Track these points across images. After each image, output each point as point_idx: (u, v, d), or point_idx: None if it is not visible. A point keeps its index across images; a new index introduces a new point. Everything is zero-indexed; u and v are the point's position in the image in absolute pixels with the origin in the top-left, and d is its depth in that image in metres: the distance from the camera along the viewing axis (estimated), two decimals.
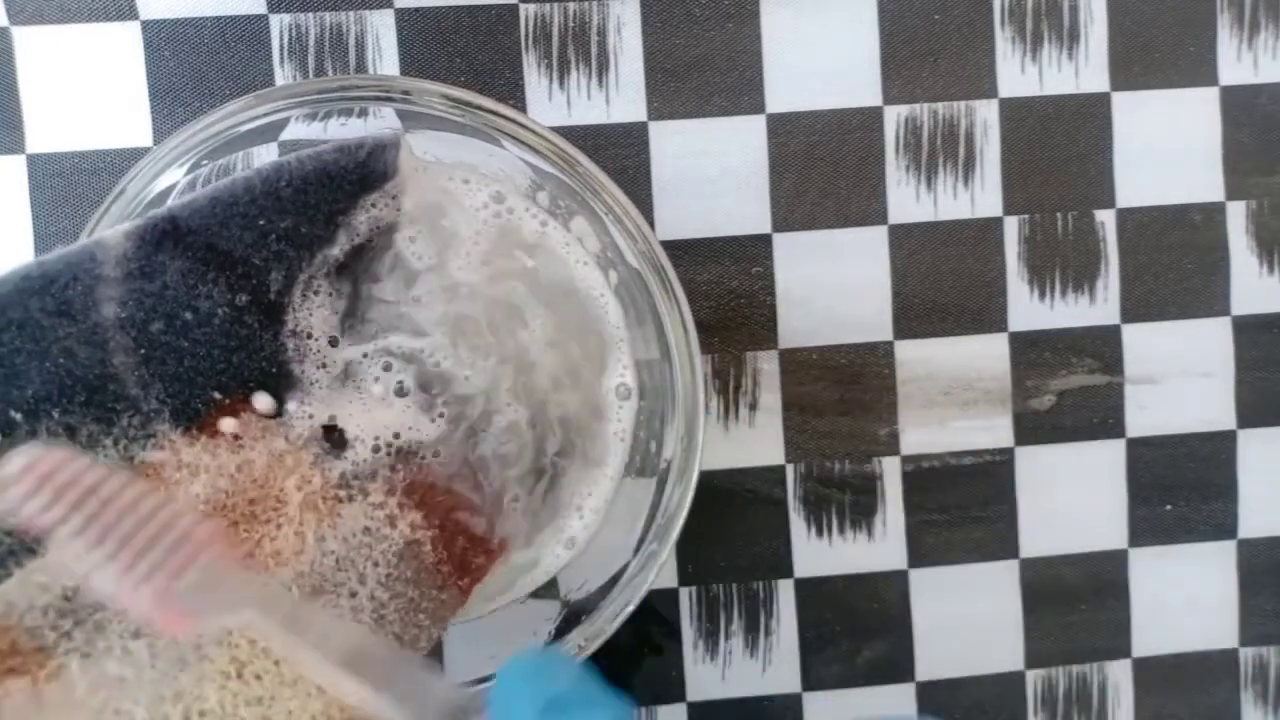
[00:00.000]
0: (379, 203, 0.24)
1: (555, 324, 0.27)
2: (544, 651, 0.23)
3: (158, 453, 0.22)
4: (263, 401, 0.24)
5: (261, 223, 0.23)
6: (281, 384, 0.24)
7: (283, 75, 0.29)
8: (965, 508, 0.31)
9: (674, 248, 0.30)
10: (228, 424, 0.23)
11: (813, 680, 0.31)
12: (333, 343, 0.25)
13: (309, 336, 0.24)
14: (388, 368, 0.25)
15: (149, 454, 0.22)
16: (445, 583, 0.25)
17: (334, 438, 0.25)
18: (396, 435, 0.25)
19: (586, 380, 0.27)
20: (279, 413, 0.24)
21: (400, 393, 0.25)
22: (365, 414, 0.25)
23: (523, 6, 0.29)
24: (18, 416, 0.21)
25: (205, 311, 0.23)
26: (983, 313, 0.31)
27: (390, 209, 0.25)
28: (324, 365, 0.25)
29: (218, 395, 0.23)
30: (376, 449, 0.25)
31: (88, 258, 0.22)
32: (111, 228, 0.22)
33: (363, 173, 0.24)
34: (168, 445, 0.22)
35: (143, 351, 0.22)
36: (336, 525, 0.24)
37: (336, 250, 0.24)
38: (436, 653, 0.27)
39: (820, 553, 0.31)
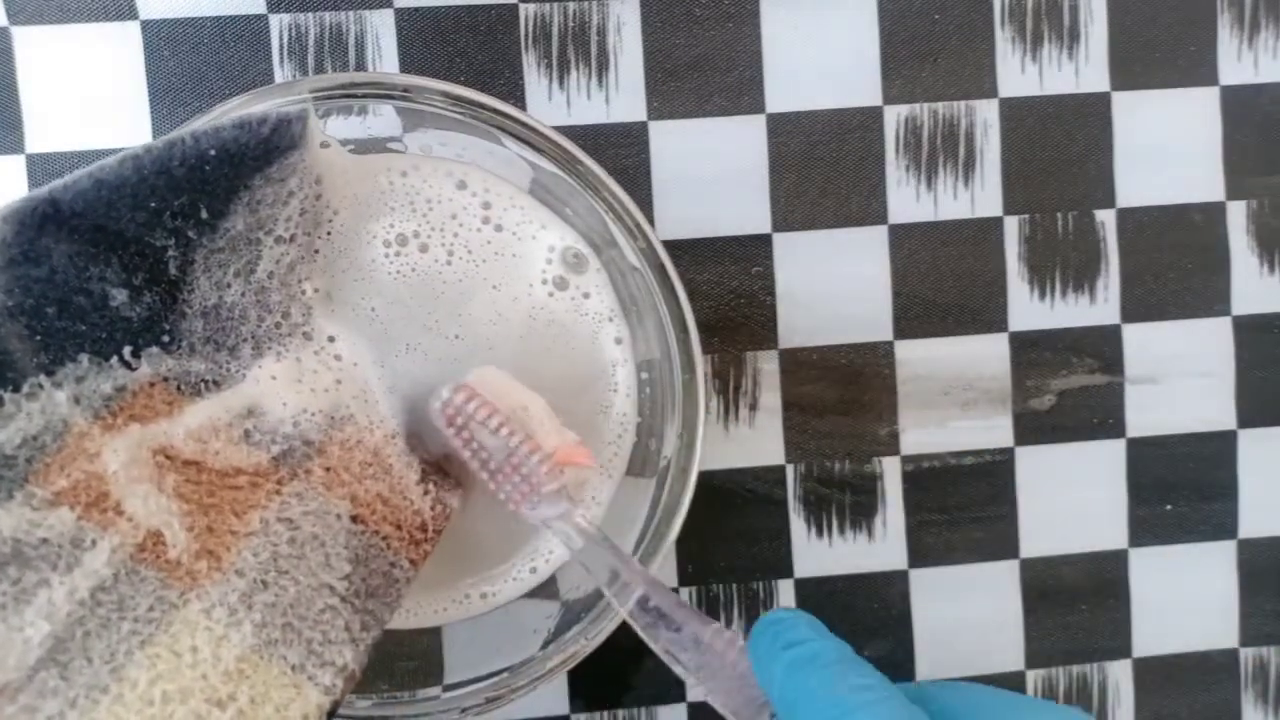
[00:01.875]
0: (288, 176, 0.23)
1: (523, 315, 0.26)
2: (789, 610, 0.25)
3: (67, 437, 0.21)
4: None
5: (153, 203, 0.22)
6: (192, 362, 0.23)
7: (282, 75, 0.29)
8: (965, 508, 0.31)
9: (674, 247, 0.30)
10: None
11: None
12: (243, 316, 0.24)
13: (218, 313, 0.24)
14: (308, 335, 0.25)
15: (57, 440, 0.21)
16: (395, 558, 0.25)
17: (260, 418, 0.24)
18: (322, 410, 0.25)
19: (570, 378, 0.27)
20: (196, 392, 0.23)
21: (328, 362, 0.25)
22: (290, 389, 0.24)
23: (522, 6, 0.29)
24: None
25: (100, 294, 0.22)
26: (983, 312, 0.31)
27: (304, 182, 0.24)
28: (237, 340, 0.24)
29: (126, 381, 0.22)
30: (298, 423, 0.24)
31: None
32: None
33: (266, 148, 0.23)
34: (77, 430, 0.21)
35: (38, 338, 0.21)
36: (279, 506, 0.23)
37: (241, 223, 0.23)
38: (436, 652, 0.28)
39: (820, 553, 0.31)
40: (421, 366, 0.26)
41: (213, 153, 0.22)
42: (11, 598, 0.20)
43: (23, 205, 0.21)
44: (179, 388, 0.23)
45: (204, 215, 0.23)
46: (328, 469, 0.24)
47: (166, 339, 0.23)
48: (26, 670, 0.20)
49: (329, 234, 0.25)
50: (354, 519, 0.24)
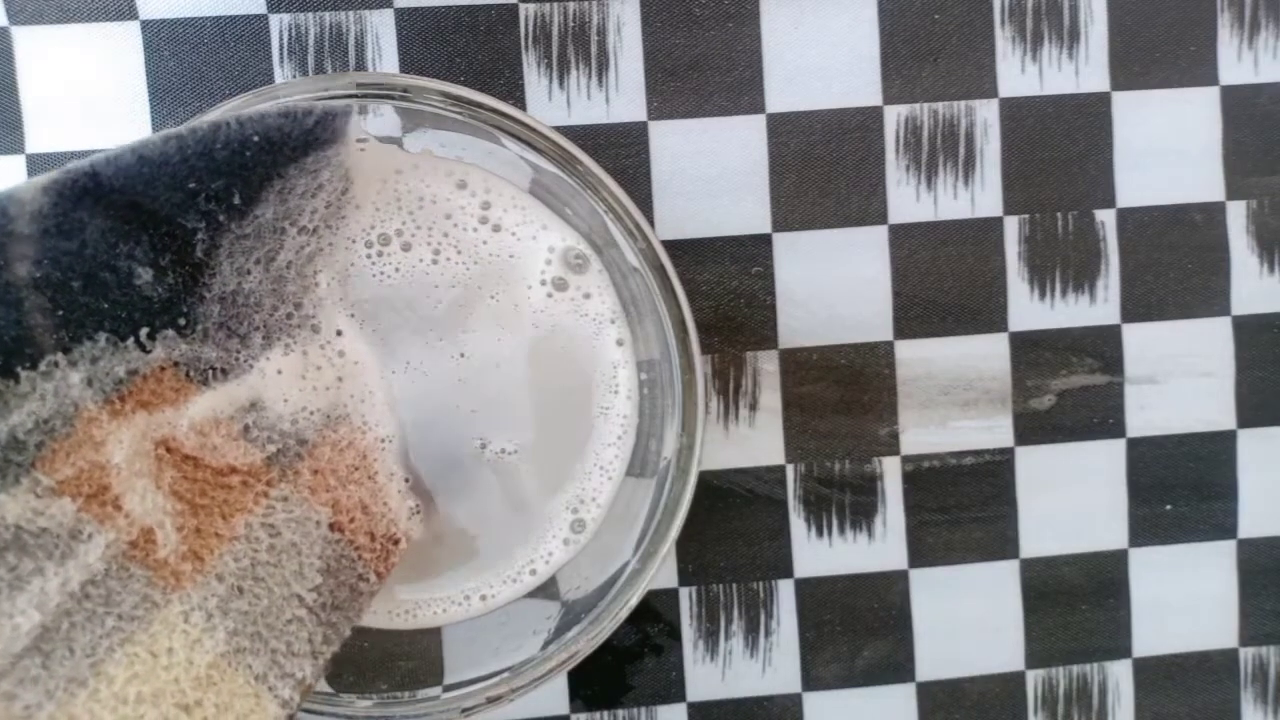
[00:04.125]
0: (321, 168, 0.23)
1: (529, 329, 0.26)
2: None
3: (76, 423, 0.21)
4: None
5: (191, 184, 0.22)
6: (204, 348, 0.23)
7: (282, 75, 0.29)
8: (965, 508, 0.31)
9: (673, 247, 0.30)
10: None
11: (813, 680, 0.31)
12: (258, 304, 0.24)
13: (235, 299, 0.23)
14: (316, 329, 0.25)
15: (67, 426, 0.21)
16: (364, 570, 0.25)
17: (261, 412, 0.24)
18: (320, 409, 0.24)
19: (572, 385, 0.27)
20: (204, 380, 0.23)
21: (333, 358, 0.25)
22: (294, 385, 0.24)
23: (522, 6, 0.29)
24: None
25: (126, 272, 0.22)
26: (983, 312, 0.31)
27: (335, 176, 0.24)
28: (249, 329, 0.24)
29: (139, 364, 0.22)
30: (296, 421, 0.24)
31: None
32: (26, 180, 0.21)
33: (307, 140, 0.23)
34: (86, 415, 0.21)
35: (60, 313, 0.21)
36: (267, 509, 0.23)
37: (270, 212, 0.23)
38: (436, 652, 0.28)
39: (820, 553, 0.31)
40: (422, 385, 0.26)
41: (255, 139, 0.22)
42: (7, 584, 0.20)
43: (63, 176, 0.21)
44: (188, 374, 0.23)
45: (236, 200, 0.22)
46: (315, 471, 0.24)
47: (182, 322, 0.23)
48: (11, 658, 0.20)
49: (343, 228, 0.25)
50: (332, 526, 0.24)
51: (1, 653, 0.20)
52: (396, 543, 0.25)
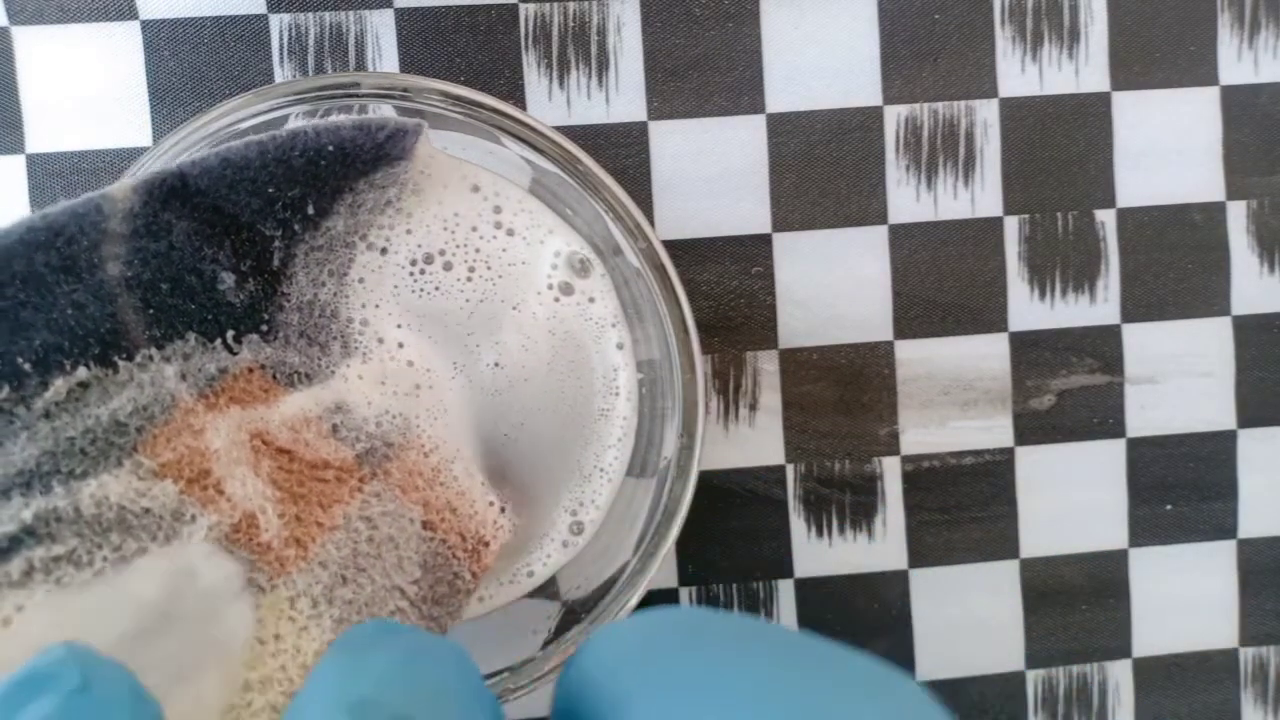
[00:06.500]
0: (389, 184, 0.24)
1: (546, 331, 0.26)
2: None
3: (174, 411, 0.22)
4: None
5: (270, 190, 0.22)
6: (287, 353, 0.24)
7: (282, 75, 0.29)
8: (965, 508, 0.31)
9: (673, 247, 0.30)
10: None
11: None
12: (334, 314, 0.24)
13: (312, 309, 0.24)
14: (381, 340, 0.25)
15: (165, 413, 0.22)
16: (459, 568, 0.25)
17: (347, 414, 0.24)
18: (402, 414, 0.25)
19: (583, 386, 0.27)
20: (290, 383, 0.24)
21: (410, 363, 0.25)
22: (374, 390, 0.25)
23: (522, 6, 0.29)
24: (27, 366, 0.20)
25: (210, 276, 0.23)
26: (982, 312, 0.31)
27: (400, 192, 0.24)
28: (328, 338, 0.24)
29: (228, 364, 0.23)
30: (380, 424, 0.24)
31: (94, 210, 0.21)
32: (118, 181, 0.22)
33: (378, 154, 0.23)
34: (183, 405, 0.22)
35: (151, 311, 0.22)
36: (360, 504, 0.23)
37: (341, 225, 0.24)
38: None
39: (820, 553, 0.31)
40: (466, 392, 0.26)
41: (330, 148, 0.23)
42: (111, 564, 0.20)
43: (152, 177, 0.22)
44: (274, 376, 0.24)
45: (310, 211, 0.23)
46: (404, 472, 0.24)
47: (265, 328, 0.24)
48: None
49: (402, 247, 0.25)
50: (424, 524, 0.24)
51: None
52: (487, 544, 0.25)
